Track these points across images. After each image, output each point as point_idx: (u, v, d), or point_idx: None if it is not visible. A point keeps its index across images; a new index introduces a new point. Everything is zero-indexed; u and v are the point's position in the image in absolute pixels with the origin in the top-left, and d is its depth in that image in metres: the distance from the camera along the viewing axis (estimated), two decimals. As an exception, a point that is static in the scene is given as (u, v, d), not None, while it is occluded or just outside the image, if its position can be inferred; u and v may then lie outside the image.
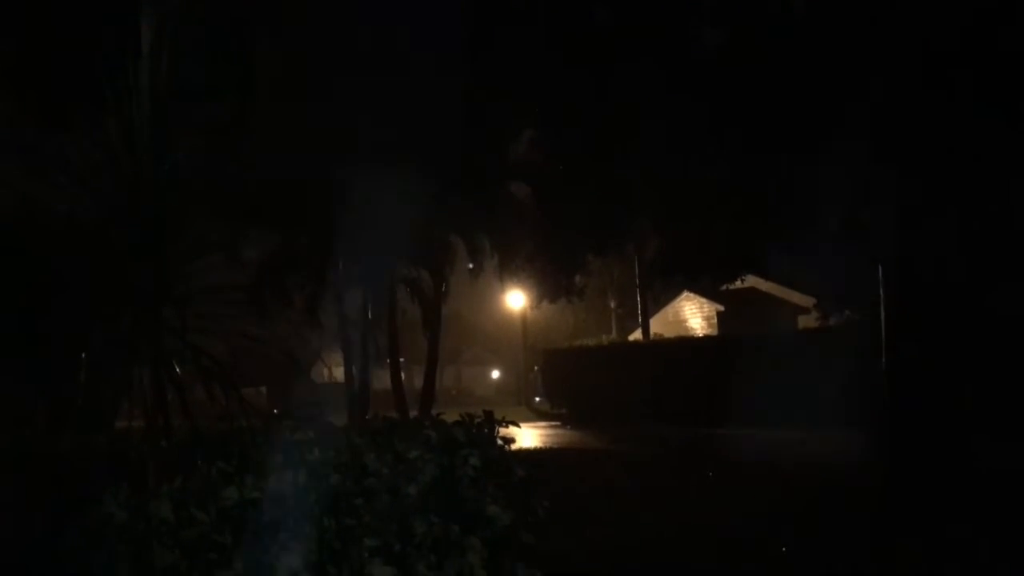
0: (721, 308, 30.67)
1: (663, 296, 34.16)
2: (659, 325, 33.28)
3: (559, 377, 26.68)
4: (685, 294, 33.32)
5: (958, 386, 8.67)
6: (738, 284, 23.46)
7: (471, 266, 22.30)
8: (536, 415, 27.46)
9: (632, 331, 34.95)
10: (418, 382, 29.62)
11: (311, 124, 11.89)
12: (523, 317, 36.97)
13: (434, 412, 5.12)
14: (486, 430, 4.58)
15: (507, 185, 19.30)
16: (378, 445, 4.11)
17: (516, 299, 35.17)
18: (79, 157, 4.83)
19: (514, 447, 4.56)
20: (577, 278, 22.41)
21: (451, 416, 4.70)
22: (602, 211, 12.71)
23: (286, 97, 10.10)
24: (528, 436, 18.23)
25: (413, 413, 16.87)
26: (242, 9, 10.09)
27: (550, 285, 21.44)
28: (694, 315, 33.30)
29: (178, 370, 5.03)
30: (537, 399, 32.79)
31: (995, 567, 5.95)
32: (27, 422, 4.68)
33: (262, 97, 9.37)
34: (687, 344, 24.50)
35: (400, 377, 23.68)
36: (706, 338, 27.11)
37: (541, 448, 15.85)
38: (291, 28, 11.59)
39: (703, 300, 32.27)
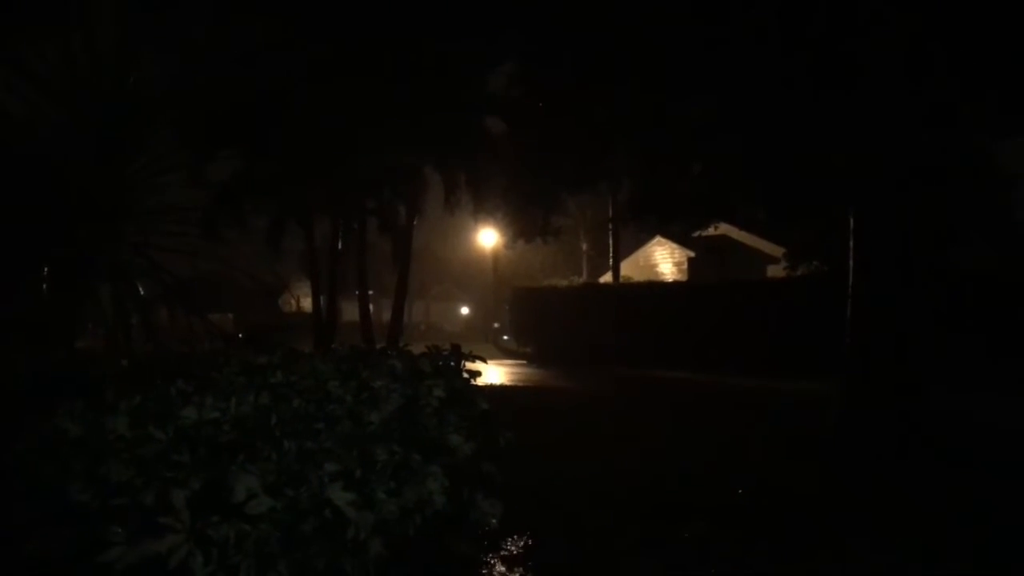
0: (692, 255, 30.87)
1: (635, 240, 34.28)
2: (630, 269, 33.43)
3: (527, 316, 26.80)
4: (657, 239, 33.45)
5: (918, 337, 8.85)
6: (710, 231, 23.59)
7: (445, 200, 22.12)
8: (503, 353, 27.64)
9: (603, 273, 35.09)
10: (386, 316, 29.60)
11: (286, 44, 11.54)
12: (494, 255, 36.92)
13: (401, 345, 5.10)
14: (452, 363, 4.59)
15: (484, 119, 19.05)
16: (343, 372, 4.09)
17: (488, 237, 35.06)
18: (39, 64, 4.65)
19: (479, 382, 4.57)
20: (553, 218, 22.33)
21: (418, 350, 4.69)
22: (578, 148, 12.57)
23: (259, 14, 9.75)
24: (494, 373, 18.38)
25: (380, 345, 16.87)
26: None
27: (525, 224, 21.34)
28: (665, 260, 33.49)
29: (140, 289, 4.94)
30: (505, 337, 32.96)
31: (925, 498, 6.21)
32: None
33: (235, 13, 9.07)
34: (656, 289, 24.63)
35: (368, 309, 23.62)
36: (675, 283, 27.28)
37: (506, 384, 16.01)
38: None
39: (674, 246, 32.44)
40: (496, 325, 36.50)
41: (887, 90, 8.71)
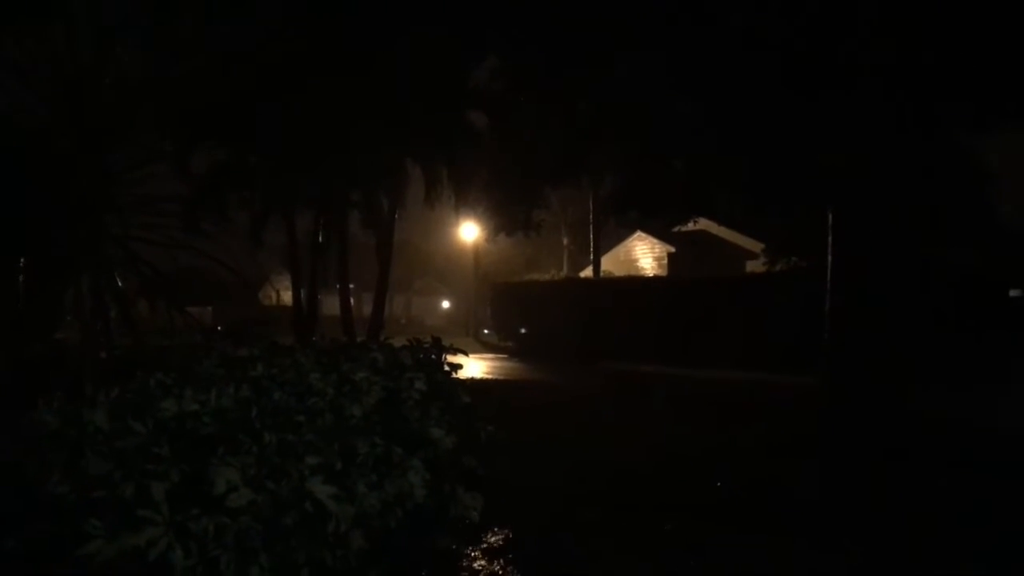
0: (672, 249, 30.97)
1: (616, 235, 34.35)
2: (610, 263, 33.50)
3: (508, 310, 26.80)
4: (637, 234, 33.53)
5: (898, 334, 8.92)
6: (690, 226, 23.68)
7: (426, 194, 22.03)
8: (484, 347, 27.63)
9: (583, 268, 35.15)
10: (367, 310, 29.49)
11: (267, 41, 11.48)
12: (475, 249, 36.85)
13: (382, 338, 5.08)
14: (433, 356, 4.59)
15: (466, 113, 19.00)
16: (324, 365, 4.08)
17: (469, 231, 34.97)
18: (22, 56, 4.61)
19: (460, 376, 4.57)
20: (534, 212, 22.33)
21: (399, 343, 4.68)
22: (563, 142, 12.56)
23: (242, 14, 9.67)
24: (475, 367, 18.38)
25: (361, 339, 16.83)
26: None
27: (507, 218, 21.34)
28: (645, 255, 33.58)
29: (119, 282, 4.91)
30: (485, 331, 32.94)
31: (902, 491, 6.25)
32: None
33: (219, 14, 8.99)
34: (637, 283, 24.71)
35: (349, 302, 23.50)
36: (657, 278, 27.39)
37: (487, 378, 16.02)
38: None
39: (655, 241, 32.53)
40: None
41: (884, 90, 8.76)
